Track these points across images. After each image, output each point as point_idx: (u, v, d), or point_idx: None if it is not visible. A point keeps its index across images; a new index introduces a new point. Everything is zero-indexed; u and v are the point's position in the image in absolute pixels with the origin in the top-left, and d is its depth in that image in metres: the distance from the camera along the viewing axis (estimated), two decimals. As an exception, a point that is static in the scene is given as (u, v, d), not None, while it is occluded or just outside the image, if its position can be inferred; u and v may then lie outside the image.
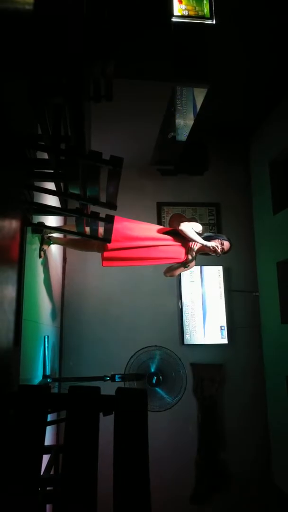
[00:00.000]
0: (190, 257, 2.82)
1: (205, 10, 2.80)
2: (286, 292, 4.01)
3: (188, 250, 2.81)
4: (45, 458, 1.88)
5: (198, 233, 2.81)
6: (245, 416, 4.21)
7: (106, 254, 2.69)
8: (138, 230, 2.75)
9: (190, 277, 4.41)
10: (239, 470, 4.04)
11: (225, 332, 4.30)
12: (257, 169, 4.66)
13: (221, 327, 4.32)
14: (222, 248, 2.81)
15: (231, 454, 4.09)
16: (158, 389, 2.83)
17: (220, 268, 4.44)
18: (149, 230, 2.81)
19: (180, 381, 2.81)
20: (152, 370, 2.86)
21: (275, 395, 4.12)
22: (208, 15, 2.80)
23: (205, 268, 4.42)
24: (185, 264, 2.85)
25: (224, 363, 4.29)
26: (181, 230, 2.73)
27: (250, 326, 4.40)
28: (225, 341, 4.29)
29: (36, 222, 2.47)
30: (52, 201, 2.63)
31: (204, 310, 4.36)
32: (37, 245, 2.66)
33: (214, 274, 4.45)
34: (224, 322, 4.33)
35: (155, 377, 2.84)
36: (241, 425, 4.18)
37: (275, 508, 4.00)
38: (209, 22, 2.80)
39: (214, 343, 4.29)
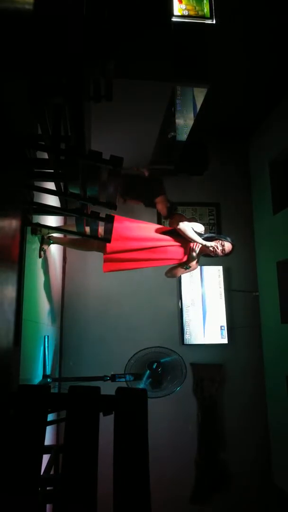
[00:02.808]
0: (191, 258, 2.75)
1: (205, 10, 2.80)
2: (286, 292, 4.01)
3: (189, 250, 2.75)
4: (45, 458, 1.88)
5: (199, 234, 2.76)
6: (245, 416, 4.21)
7: (106, 258, 2.66)
8: (138, 230, 2.72)
9: (190, 277, 4.41)
10: (239, 470, 4.04)
11: (225, 332, 4.30)
12: (257, 169, 4.66)
13: (221, 327, 4.32)
14: (223, 249, 2.75)
15: (231, 454, 4.09)
16: (147, 374, 2.78)
17: (220, 268, 4.44)
18: (148, 229, 2.76)
19: (166, 390, 2.76)
20: (162, 361, 2.83)
21: (275, 395, 4.12)
22: (208, 15, 2.80)
23: (205, 268, 4.41)
24: (186, 265, 2.79)
25: (224, 363, 4.29)
26: (179, 229, 2.68)
27: (250, 326, 4.40)
28: (225, 341, 4.29)
29: (34, 222, 2.47)
30: (52, 201, 2.63)
31: (204, 310, 4.36)
32: (37, 245, 2.66)
33: (214, 274, 4.45)
34: (224, 322, 4.33)
35: (156, 364, 2.80)
36: (241, 425, 4.18)
37: (275, 508, 3.99)
38: (209, 22, 2.79)
39: (214, 343, 4.28)
